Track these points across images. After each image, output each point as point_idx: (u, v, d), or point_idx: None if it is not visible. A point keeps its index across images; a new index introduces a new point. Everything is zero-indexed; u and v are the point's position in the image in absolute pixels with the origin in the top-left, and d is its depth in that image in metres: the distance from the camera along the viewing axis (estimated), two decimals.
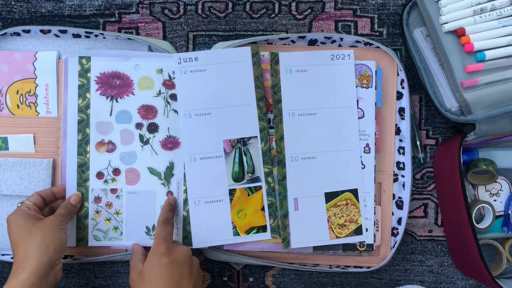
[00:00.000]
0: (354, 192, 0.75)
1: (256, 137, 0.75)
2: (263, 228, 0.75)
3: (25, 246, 0.65)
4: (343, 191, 0.75)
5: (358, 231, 0.75)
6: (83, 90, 0.75)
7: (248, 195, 0.74)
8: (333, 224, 0.74)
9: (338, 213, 0.75)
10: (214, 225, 0.74)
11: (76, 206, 0.74)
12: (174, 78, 0.75)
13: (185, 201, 0.74)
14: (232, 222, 0.74)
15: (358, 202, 0.75)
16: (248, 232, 0.74)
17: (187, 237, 0.74)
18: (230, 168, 0.74)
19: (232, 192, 0.74)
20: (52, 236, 0.67)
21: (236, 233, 0.74)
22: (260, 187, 0.75)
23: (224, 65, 0.74)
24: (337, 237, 0.75)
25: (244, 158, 0.75)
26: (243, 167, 0.75)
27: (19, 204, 0.70)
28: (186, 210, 0.74)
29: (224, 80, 0.74)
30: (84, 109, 0.75)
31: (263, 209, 0.75)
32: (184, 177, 0.75)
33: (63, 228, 0.69)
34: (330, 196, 0.75)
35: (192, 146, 0.74)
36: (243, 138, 0.75)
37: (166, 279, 0.65)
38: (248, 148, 0.75)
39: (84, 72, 0.75)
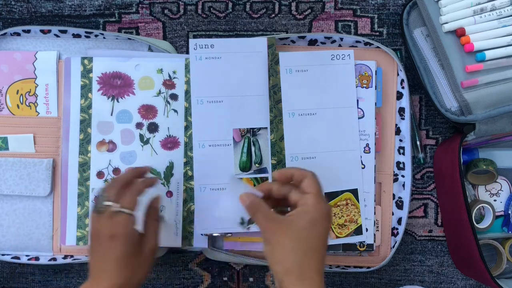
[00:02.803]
0: (354, 192, 0.75)
1: (266, 128, 0.75)
2: None
3: (120, 281, 0.59)
4: (343, 191, 0.75)
5: (358, 231, 0.75)
6: (85, 90, 0.75)
7: (254, 185, 0.74)
8: (333, 224, 0.74)
9: (338, 213, 0.75)
10: (218, 214, 0.73)
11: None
12: (174, 78, 0.75)
13: (185, 200, 0.74)
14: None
15: (358, 202, 0.75)
16: (252, 222, 0.74)
17: (186, 238, 0.74)
18: (238, 157, 0.74)
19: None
20: (143, 275, 0.62)
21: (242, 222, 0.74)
22: (267, 178, 0.74)
23: (239, 54, 0.74)
24: (337, 237, 0.75)
25: (253, 149, 0.74)
26: (251, 157, 0.74)
27: (123, 210, 0.60)
28: (186, 210, 0.74)
29: (238, 69, 0.74)
30: (86, 109, 0.75)
31: None
32: (184, 176, 0.75)
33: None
34: (330, 196, 0.75)
35: (201, 132, 0.74)
36: (253, 128, 0.75)
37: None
38: (257, 139, 0.75)
39: (86, 73, 0.75)
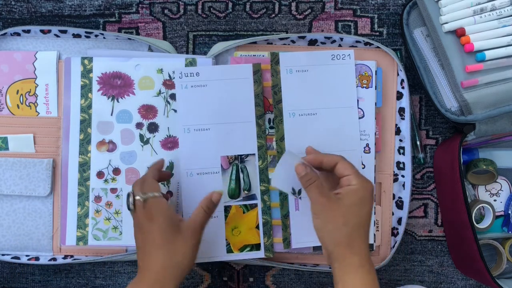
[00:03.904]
0: None
1: (254, 154, 0.74)
2: (256, 246, 0.74)
3: (164, 261, 0.61)
4: None
5: None
6: (85, 90, 0.75)
7: (243, 212, 0.74)
8: None
9: None
10: (208, 241, 0.73)
11: (216, 206, 0.67)
12: (174, 78, 0.75)
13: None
14: (226, 239, 0.74)
15: None
16: (241, 249, 0.74)
17: None
18: (227, 185, 0.74)
19: (227, 208, 0.74)
20: (187, 258, 0.63)
21: (230, 250, 0.74)
22: (256, 205, 0.74)
23: (225, 82, 0.74)
24: None
25: (241, 175, 0.74)
26: (239, 184, 0.74)
27: (149, 194, 0.63)
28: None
29: (224, 97, 0.74)
30: (86, 109, 0.75)
31: (257, 227, 0.74)
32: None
33: (200, 239, 0.64)
34: None
35: (189, 161, 0.74)
36: (240, 155, 0.74)
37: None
38: (246, 165, 0.74)
39: (86, 73, 0.75)
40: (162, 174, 0.71)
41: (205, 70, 0.74)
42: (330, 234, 0.62)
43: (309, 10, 0.80)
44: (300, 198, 0.66)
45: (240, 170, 0.74)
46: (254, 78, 0.74)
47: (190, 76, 0.74)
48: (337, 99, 0.75)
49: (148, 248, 0.62)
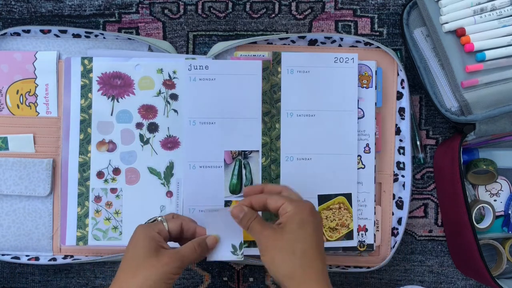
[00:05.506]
0: (348, 196, 0.75)
1: (257, 151, 0.75)
2: (254, 243, 0.74)
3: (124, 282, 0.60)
4: (336, 195, 0.75)
5: (349, 236, 0.74)
6: (85, 90, 0.75)
7: None
8: (324, 227, 0.74)
9: (330, 216, 0.74)
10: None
11: (209, 251, 0.65)
12: (174, 78, 0.75)
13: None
14: None
15: (351, 207, 0.74)
16: (242, 247, 0.74)
17: None
18: (228, 180, 0.74)
19: (227, 204, 0.74)
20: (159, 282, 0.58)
21: None
22: None
23: (233, 76, 0.74)
24: (327, 240, 0.74)
25: (243, 171, 0.74)
26: (241, 180, 0.74)
27: (159, 219, 0.64)
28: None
29: (232, 91, 0.74)
30: (86, 109, 0.75)
31: None
32: None
33: (175, 278, 0.60)
34: (323, 199, 0.74)
35: (193, 153, 0.74)
36: (244, 151, 0.75)
37: None
38: (249, 162, 0.74)
39: (86, 73, 0.75)
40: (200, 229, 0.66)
41: (214, 64, 0.74)
42: (280, 267, 0.58)
43: (309, 10, 0.80)
44: (242, 255, 0.65)
45: (243, 166, 0.74)
46: (263, 75, 0.74)
47: (200, 69, 0.74)
48: (337, 102, 0.75)
49: (121, 266, 0.62)
